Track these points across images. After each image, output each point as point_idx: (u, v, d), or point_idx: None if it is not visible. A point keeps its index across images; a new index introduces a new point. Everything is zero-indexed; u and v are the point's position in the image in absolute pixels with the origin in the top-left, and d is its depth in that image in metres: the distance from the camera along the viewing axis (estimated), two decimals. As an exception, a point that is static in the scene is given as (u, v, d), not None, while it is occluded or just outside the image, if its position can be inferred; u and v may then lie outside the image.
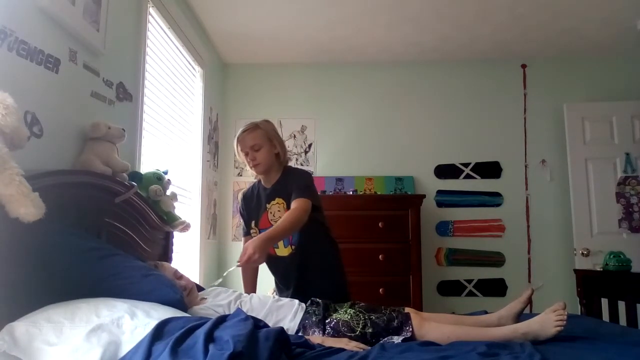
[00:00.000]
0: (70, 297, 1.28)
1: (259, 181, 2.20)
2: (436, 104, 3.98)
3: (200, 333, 1.09)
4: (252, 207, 2.19)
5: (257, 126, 2.11)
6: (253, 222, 2.17)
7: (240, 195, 2.35)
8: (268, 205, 2.12)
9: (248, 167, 2.15)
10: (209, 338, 1.08)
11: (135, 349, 1.08)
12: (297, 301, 1.73)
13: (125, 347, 1.11)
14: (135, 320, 1.19)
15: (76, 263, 1.38)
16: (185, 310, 1.46)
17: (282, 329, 1.20)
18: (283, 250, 2.10)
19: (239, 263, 1.72)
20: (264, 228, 2.10)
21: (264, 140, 2.08)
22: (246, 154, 2.09)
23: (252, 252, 1.69)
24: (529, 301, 1.70)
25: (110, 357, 1.09)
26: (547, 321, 1.48)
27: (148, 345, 1.06)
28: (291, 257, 2.07)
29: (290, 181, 2.08)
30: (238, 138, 2.11)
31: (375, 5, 3.11)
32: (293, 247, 2.07)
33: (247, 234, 2.21)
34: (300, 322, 1.61)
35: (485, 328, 1.59)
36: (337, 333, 1.54)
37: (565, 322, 1.47)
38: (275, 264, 2.15)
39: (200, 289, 1.88)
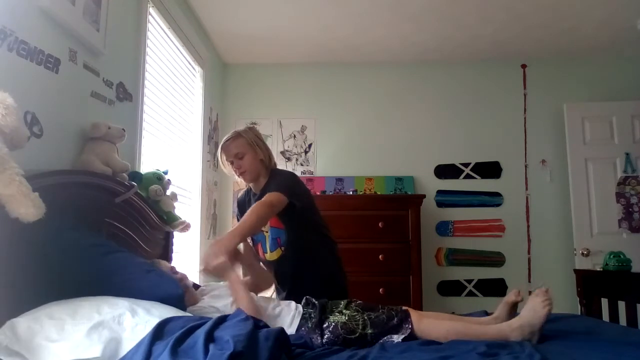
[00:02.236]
0: (75, 294, 1.29)
1: (249, 189, 2.22)
2: (436, 104, 3.98)
3: (201, 333, 1.09)
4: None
5: (239, 134, 2.10)
6: None
7: (236, 201, 2.36)
8: None
9: (236, 177, 2.14)
10: (209, 338, 1.08)
11: (136, 348, 1.08)
12: (293, 305, 1.68)
13: (126, 344, 1.12)
14: (136, 318, 1.19)
15: (80, 259, 1.39)
16: (184, 308, 1.46)
17: (282, 329, 1.20)
18: (272, 255, 2.09)
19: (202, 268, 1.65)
20: (256, 234, 2.11)
21: (247, 148, 2.08)
22: (231, 163, 2.10)
23: (204, 265, 1.59)
24: (518, 299, 1.69)
25: (110, 353, 1.09)
26: (535, 306, 1.50)
27: (148, 345, 1.07)
28: (282, 259, 2.06)
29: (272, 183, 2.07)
30: (222, 147, 2.10)
31: (375, 5, 3.11)
32: (282, 248, 2.06)
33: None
34: (297, 329, 1.58)
35: (483, 325, 1.59)
36: (336, 337, 1.52)
37: (551, 301, 1.49)
38: (270, 267, 2.15)
39: (196, 287, 1.88)
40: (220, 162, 2.16)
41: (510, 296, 1.69)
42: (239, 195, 2.32)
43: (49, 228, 1.33)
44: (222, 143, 2.12)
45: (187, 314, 1.45)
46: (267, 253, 2.11)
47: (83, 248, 1.42)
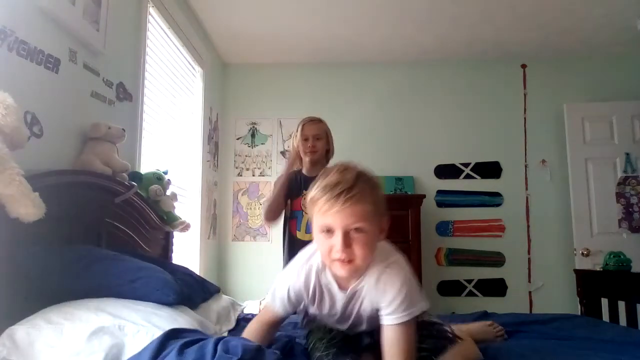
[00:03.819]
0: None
1: (299, 170, 2.39)
2: (436, 103, 3.98)
3: (211, 339, 1.08)
4: (293, 189, 2.36)
5: (321, 120, 2.42)
6: (289, 200, 2.35)
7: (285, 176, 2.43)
8: (305, 192, 2.23)
9: (296, 150, 2.34)
10: (219, 344, 1.07)
11: (141, 351, 1.07)
12: None
13: (128, 350, 1.11)
14: (138, 324, 1.19)
15: (58, 278, 1.33)
16: (180, 303, 1.44)
17: (292, 346, 1.18)
18: (306, 236, 2.21)
19: None
20: (295, 210, 2.31)
21: (323, 134, 2.38)
22: (306, 139, 2.32)
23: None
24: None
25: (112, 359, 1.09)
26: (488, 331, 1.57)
27: (157, 346, 1.05)
28: None
29: None
30: (305, 123, 2.36)
31: (375, 5, 3.11)
32: None
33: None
34: None
35: None
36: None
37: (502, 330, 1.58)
38: (296, 245, 2.15)
39: None
40: (293, 135, 2.43)
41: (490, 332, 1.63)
42: (289, 173, 2.40)
43: (23, 246, 1.30)
44: (306, 120, 2.39)
45: (188, 311, 1.44)
46: (299, 231, 2.27)
47: (61, 265, 1.34)
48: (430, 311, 1.29)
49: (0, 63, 1.38)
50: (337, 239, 1.05)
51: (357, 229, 1.05)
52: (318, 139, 2.34)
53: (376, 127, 3.97)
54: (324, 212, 1.06)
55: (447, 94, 3.98)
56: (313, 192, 1.10)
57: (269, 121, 4.01)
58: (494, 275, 3.81)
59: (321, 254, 1.14)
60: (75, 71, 1.78)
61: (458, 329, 1.43)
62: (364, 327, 1.24)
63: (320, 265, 1.18)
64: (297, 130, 2.39)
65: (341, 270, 1.09)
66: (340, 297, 1.18)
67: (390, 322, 1.10)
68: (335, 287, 1.18)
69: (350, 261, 1.07)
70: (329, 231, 1.07)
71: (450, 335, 1.33)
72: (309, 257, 1.20)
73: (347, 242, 1.05)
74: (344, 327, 1.25)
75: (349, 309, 1.20)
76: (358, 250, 1.06)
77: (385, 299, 1.12)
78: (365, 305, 1.17)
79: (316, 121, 2.40)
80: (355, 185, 1.08)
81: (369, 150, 3.94)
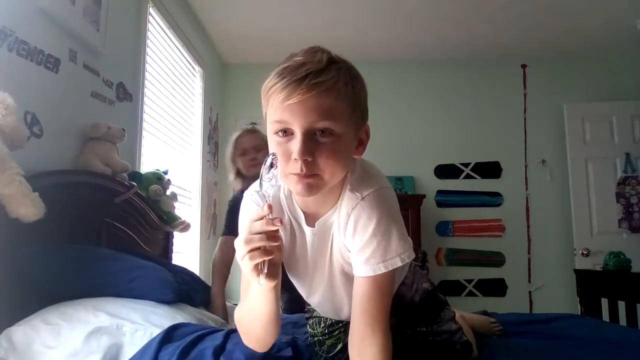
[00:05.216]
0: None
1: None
2: (436, 104, 3.98)
3: (210, 345, 1.07)
4: None
5: (256, 130, 2.20)
6: None
7: None
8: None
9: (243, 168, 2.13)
10: (219, 350, 1.05)
11: (141, 352, 1.07)
12: None
13: (127, 350, 1.11)
14: (136, 323, 1.18)
15: (58, 278, 1.33)
16: (179, 301, 1.43)
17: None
18: None
19: None
20: None
21: (263, 144, 2.12)
22: (244, 154, 2.11)
23: None
24: None
25: (111, 359, 1.09)
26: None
27: (155, 350, 1.05)
28: None
29: None
30: (239, 137, 2.15)
31: (374, 5, 3.11)
32: None
33: None
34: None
35: None
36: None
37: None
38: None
39: None
40: (228, 153, 2.21)
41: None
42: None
43: (23, 246, 1.30)
44: (241, 133, 2.19)
45: (187, 307, 1.44)
46: None
47: (59, 265, 1.34)
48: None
49: (1, 63, 1.38)
50: (296, 142, 0.75)
51: (324, 131, 0.77)
52: (258, 150, 2.05)
53: (376, 127, 3.94)
54: (279, 102, 0.75)
55: (447, 94, 3.98)
56: (267, 79, 0.80)
57: (269, 121, 4.01)
58: (494, 275, 3.81)
59: None
60: (75, 71, 1.78)
61: (461, 316, 1.43)
62: (344, 297, 0.94)
63: (289, 190, 0.88)
64: (232, 147, 2.14)
65: (298, 186, 0.78)
66: (309, 236, 0.88)
67: (362, 273, 0.83)
68: (302, 220, 0.87)
69: (312, 175, 0.77)
70: (286, 132, 0.78)
71: (459, 348, 1.19)
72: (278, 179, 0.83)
73: (308, 146, 0.75)
74: (318, 296, 0.96)
75: (321, 258, 0.90)
76: (324, 162, 0.77)
77: (355, 244, 0.84)
78: (335, 251, 0.88)
79: (251, 131, 2.16)
80: (327, 69, 0.81)
81: (369, 150, 3.92)
